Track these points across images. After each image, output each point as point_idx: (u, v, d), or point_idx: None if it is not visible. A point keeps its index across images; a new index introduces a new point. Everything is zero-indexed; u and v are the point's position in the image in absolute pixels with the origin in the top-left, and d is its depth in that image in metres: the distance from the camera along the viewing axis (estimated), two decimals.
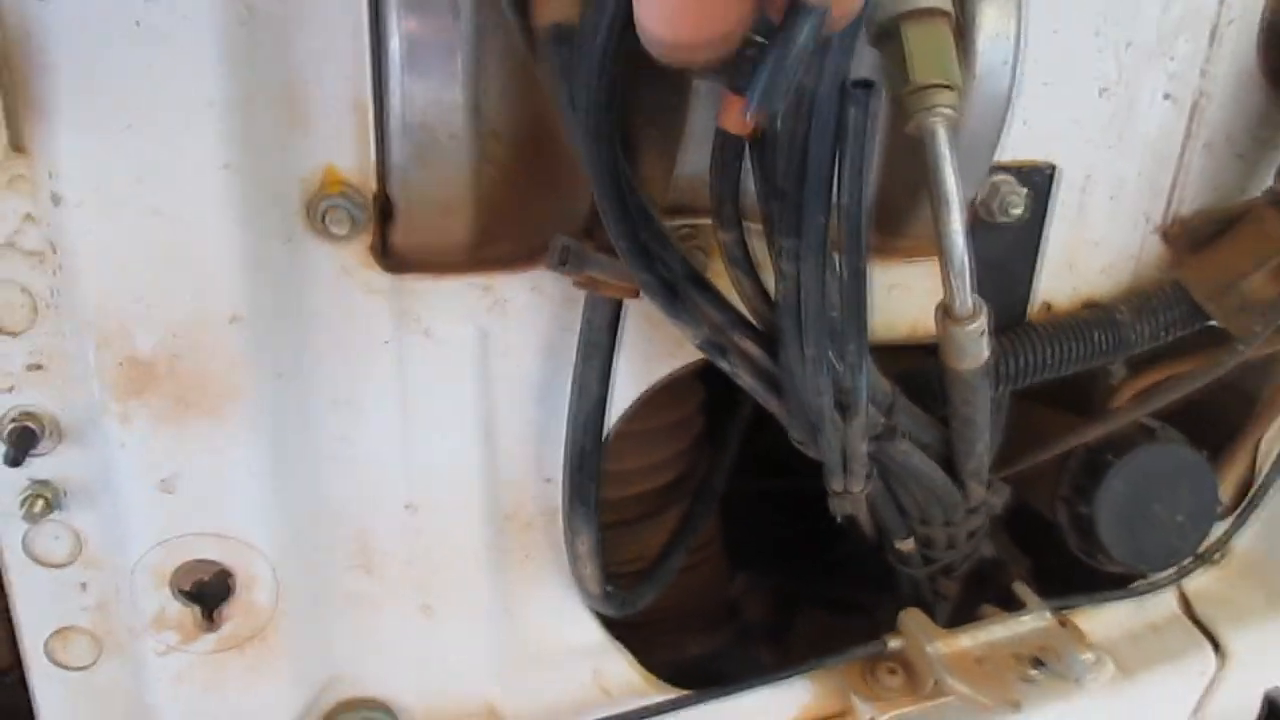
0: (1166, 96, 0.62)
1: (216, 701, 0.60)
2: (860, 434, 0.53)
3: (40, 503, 0.53)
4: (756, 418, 0.84)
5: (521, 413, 0.60)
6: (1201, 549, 0.81)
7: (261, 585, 0.58)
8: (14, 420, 0.51)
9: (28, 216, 0.47)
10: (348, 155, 0.50)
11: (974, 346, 0.53)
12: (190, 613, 0.57)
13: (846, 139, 0.41)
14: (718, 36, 0.35)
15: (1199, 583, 0.84)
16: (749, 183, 0.47)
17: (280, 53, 0.47)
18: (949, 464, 0.65)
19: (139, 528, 0.55)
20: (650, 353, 0.60)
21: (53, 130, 0.45)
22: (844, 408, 0.52)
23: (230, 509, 0.56)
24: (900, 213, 0.58)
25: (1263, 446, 0.81)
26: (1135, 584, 0.80)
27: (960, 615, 0.79)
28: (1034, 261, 0.63)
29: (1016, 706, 0.65)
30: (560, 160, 0.50)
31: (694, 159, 0.52)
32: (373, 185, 0.51)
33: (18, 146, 0.45)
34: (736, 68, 0.38)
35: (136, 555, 0.55)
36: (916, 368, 0.62)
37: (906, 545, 0.71)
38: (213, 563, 0.57)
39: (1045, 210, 0.61)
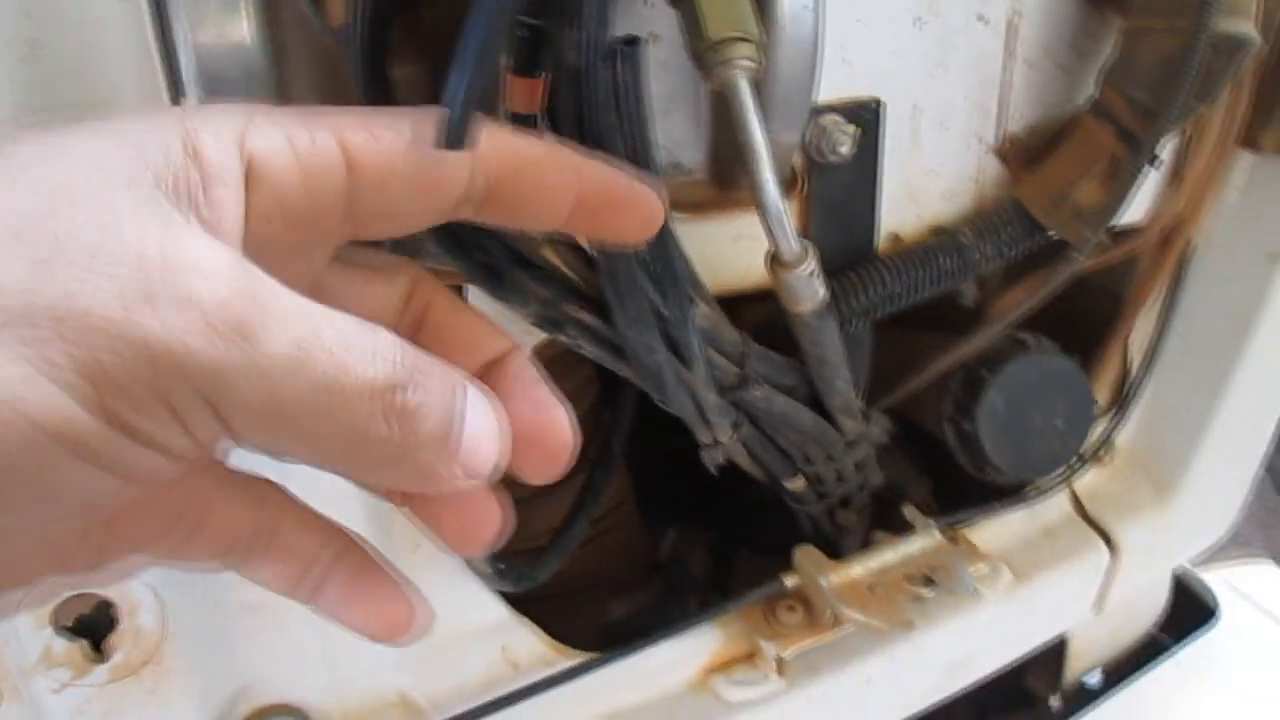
0: (981, 19, 0.63)
1: None
2: (704, 385, 0.54)
3: None
4: None
5: None
6: (1085, 450, 0.84)
7: (145, 610, 0.58)
8: None
9: None
10: None
11: (807, 289, 0.54)
12: (78, 647, 0.58)
13: (622, 99, 0.41)
14: None
15: (1089, 483, 0.88)
16: None
17: (72, 85, 0.47)
18: (820, 404, 0.66)
19: None
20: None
21: None
22: (687, 361, 0.53)
23: None
24: (732, 165, 0.59)
25: (1132, 344, 0.84)
26: (1026, 491, 0.83)
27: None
28: (873, 196, 0.64)
29: (910, 626, 0.68)
30: None
31: None
32: None
33: None
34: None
35: None
36: (768, 316, 0.63)
37: (796, 484, 0.73)
38: (91, 594, 0.57)
39: (876, 145, 0.62)
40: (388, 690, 0.67)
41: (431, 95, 0.33)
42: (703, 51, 0.50)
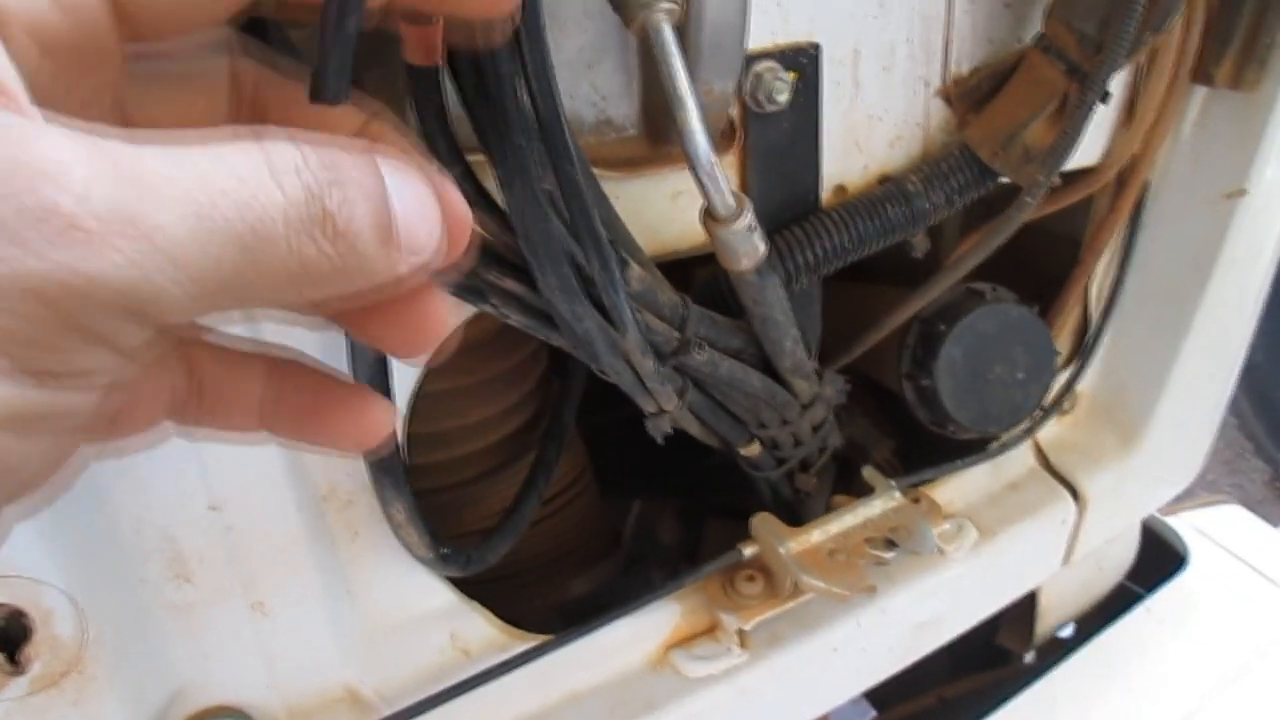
0: None
1: None
2: (640, 351, 0.51)
3: None
4: None
5: None
6: (1047, 401, 0.82)
7: (60, 618, 0.55)
8: None
9: None
10: None
11: (745, 245, 0.51)
12: None
13: (523, 44, 0.38)
14: None
15: (1052, 434, 0.86)
16: None
17: None
18: (771, 366, 0.64)
19: None
20: None
21: None
22: (618, 326, 0.50)
23: (4, 547, 0.52)
24: (665, 118, 0.56)
25: (1092, 291, 0.82)
26: (989, 445, 0.81)
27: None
28: (815, 146, 0.61)
29: (872, 591, 0.66)
30: None
31: None
32: None
33: None
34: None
35: None
36: (710, 276, 0.60)
37: (751, 450, 0.71)
38: (0, 604, 0.53)
39: (816, 92, 0.59)
40: (332, 685, 0.65)
41: None
42: None
